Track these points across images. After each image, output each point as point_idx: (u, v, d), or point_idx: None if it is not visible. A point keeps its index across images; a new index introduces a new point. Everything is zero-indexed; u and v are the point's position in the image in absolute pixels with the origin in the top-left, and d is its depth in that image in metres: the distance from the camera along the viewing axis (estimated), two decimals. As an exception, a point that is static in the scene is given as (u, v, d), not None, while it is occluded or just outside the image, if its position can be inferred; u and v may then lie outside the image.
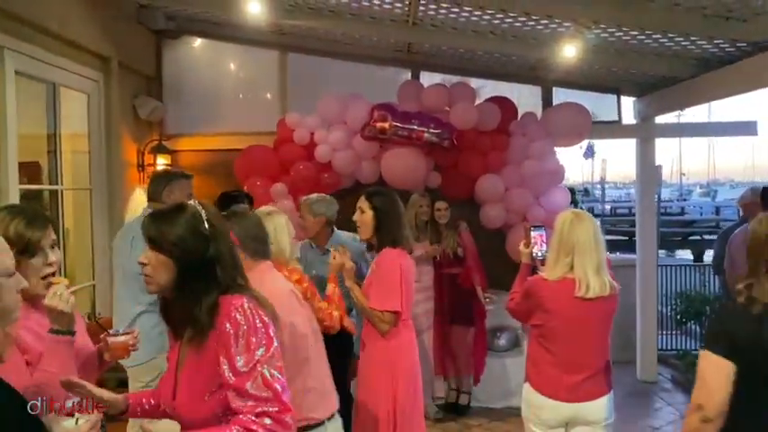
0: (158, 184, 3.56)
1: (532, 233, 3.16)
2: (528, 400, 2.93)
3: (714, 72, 4.86)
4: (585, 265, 2.74)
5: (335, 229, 4.20)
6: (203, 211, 1.78)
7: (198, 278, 1.73)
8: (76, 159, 5.11)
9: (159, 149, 5.96)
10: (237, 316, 1.69)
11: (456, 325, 5.24)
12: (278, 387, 1.67)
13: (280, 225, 2.94)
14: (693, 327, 7.11)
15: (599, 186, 38.70)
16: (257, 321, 1.71)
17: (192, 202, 1.82)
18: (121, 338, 2.17)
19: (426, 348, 5.04)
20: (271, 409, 1.64)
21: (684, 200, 37.63)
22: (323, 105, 5.77)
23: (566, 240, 2.77)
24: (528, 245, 3.15)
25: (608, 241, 3.17)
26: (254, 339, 1.68)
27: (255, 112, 6.48)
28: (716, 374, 1.91)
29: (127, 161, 5.66)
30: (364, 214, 3.12)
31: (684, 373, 6.09)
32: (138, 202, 5.61)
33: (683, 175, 52.75)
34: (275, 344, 1.72)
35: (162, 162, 5.93)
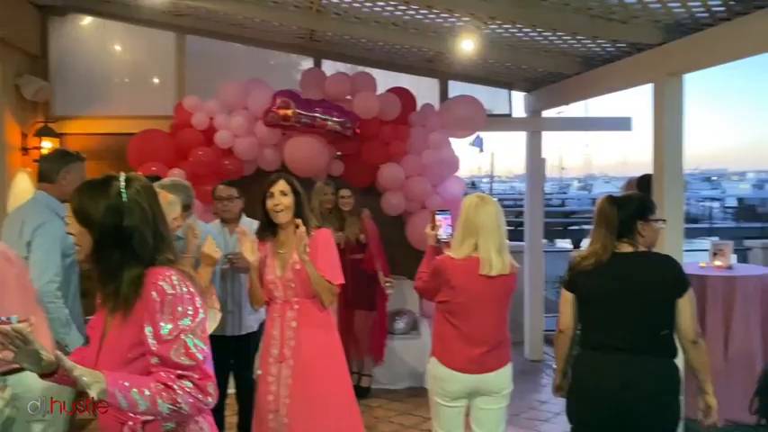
0: (54, 163, 3.30)
1: (438, 216, 3.30)
2: (434, 374, 3.06)
3: (596, 70, 5.24)
4: (489, 246, 2.93)
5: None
6: (124, 184, 1.77)
7: (112, 249, 1.73)
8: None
9: (45, 132, 5.64)
10: (164, 285, 1.71)
11: (358, 309, 5.34)
12: (200, 356, 1.70)
13: None
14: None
15: (485, 180, 40.28)
16: (185, 292, 1.73)
17: (121, 174, 1.79)
18: (16, 327, 2.06)
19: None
20: (192, 375, 1.68)
21: (564, 193, 39.89)
22: (223, 90, 5.67)
23: (471, 222, 2.94)
24: (434, 228, 3.29)
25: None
26: (179, 308, 1.71)
27: (150, 95, 6.28)
28: (564, 302, 2.84)
29: (9, 144, 5.30)
30: (287, 197, 3.08)
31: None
32: (22, 188, 5.28)
33: (563, 169, 55.83)
34: (201, 314, 1.75)
35: (48, 145, 5.60)
